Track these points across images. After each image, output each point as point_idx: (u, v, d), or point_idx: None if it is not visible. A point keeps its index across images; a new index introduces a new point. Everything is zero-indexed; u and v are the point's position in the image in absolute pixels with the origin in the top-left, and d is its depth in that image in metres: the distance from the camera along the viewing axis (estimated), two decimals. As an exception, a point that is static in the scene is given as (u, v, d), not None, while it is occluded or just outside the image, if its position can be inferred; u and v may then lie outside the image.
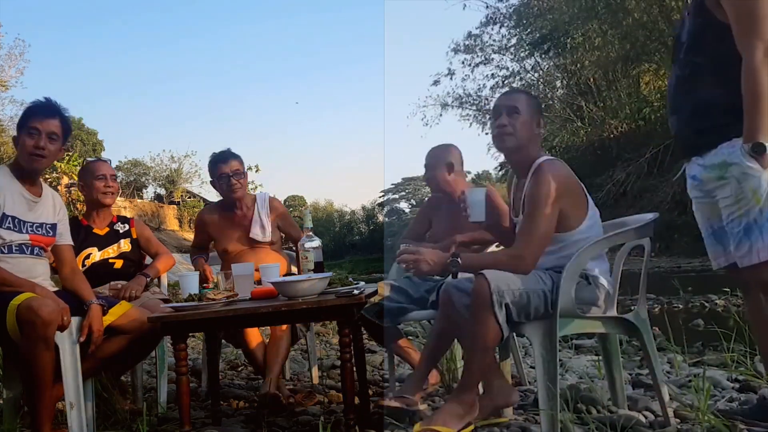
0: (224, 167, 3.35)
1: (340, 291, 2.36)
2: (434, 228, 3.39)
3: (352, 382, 2.24)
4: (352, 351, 2.34)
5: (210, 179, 3.46)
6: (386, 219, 63.98)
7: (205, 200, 37.51)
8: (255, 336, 3.21)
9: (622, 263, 2.50)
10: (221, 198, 3.49)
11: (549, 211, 2.25)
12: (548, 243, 2.30)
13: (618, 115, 28.84)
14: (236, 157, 3.41)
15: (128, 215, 3.67)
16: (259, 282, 2.78)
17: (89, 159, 3.37)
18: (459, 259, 2.26)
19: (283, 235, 3.60)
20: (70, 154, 27.03)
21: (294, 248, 3.54)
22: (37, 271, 2.62)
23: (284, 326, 3.09)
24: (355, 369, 2.45)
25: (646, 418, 2.50)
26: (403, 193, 63.65)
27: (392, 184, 65.09)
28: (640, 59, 26.84)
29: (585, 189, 2.41)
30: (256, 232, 3.41)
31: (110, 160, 3.49)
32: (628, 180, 23.92)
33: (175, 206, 36.81)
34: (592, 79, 30.30)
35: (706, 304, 7.67)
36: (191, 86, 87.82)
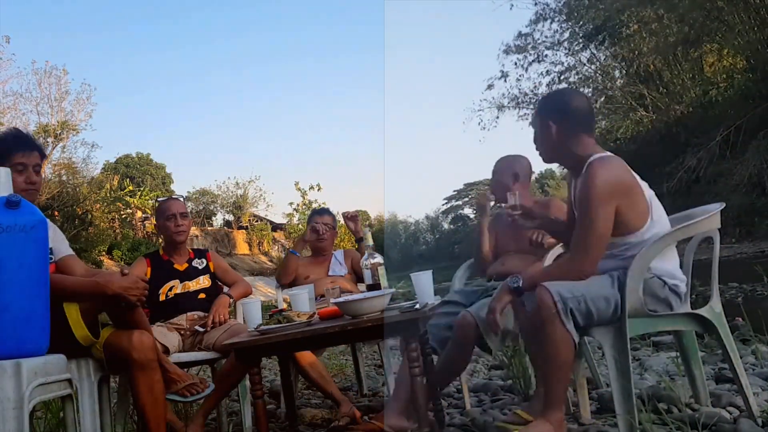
0: (319, 219, 3.96)
1: (404, 306, 2.38)
2: (498, 239, 3.39)
3: (423, 396, 2.24)
4: (421, 365, 2.35)
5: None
6: (451, 226, 63.66)
7: (271, 222, 38.29)
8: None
9: (692, 256, 2.42)
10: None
11: (601, 213, 2.17)
12: (605, 243, 2.21)
13: (683, 100, 27.88)
14: (330, 214, 4.08)
15: (200, 242, 3.83)
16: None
17: (160, 198, 3.56)
18: (520, 279, 2.29)
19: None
20: (142, 189, 28.12)
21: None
22: None
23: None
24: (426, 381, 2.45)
25: (730, 414, 2.41)
26: (466, 199, 63.24)
27: (454, 191, 64.85)
28: (701, 41, 25.91)
29: (647, 187, 2.30)
30: (335, 269, 3.90)
31: (181, 197, 3.64)
32: (700, 165, 23.02)
33: (243, 231, 37.69)
34: (652, 66, 29.42)
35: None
36: (253, 112, 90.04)
